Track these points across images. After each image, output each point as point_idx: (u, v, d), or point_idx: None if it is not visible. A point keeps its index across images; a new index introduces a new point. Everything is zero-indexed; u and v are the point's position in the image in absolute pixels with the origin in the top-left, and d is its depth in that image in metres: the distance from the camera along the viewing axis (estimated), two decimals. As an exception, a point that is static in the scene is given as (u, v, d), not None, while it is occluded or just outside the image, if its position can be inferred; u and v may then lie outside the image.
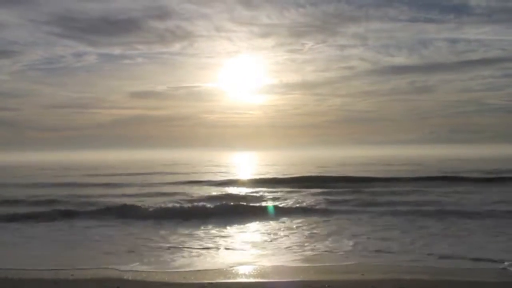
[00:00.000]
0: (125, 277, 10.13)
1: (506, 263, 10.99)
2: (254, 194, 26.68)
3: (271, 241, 14.30)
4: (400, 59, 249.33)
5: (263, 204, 22.53)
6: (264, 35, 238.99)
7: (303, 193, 26.68)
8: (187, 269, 10.95)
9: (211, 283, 9.42)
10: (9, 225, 17.75)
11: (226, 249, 13.29)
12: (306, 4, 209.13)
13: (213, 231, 15.95)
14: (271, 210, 19.83)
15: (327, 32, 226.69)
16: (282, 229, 16.14)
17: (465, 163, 60.57)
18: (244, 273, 10.70)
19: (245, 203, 22.26)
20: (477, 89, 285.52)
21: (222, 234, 15.55)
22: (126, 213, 19.60)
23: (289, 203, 22.88)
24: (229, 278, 10.14)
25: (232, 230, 16.34)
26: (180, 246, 13.61)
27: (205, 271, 10.79)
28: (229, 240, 14.58)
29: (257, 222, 17.60)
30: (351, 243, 13.60)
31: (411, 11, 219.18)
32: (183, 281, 9.80)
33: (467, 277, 9.83)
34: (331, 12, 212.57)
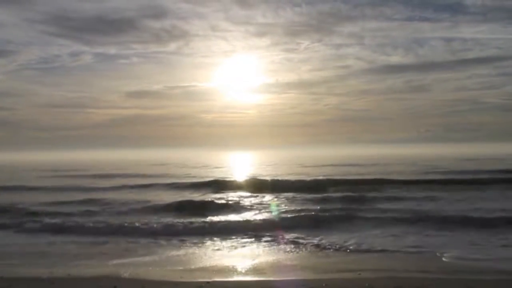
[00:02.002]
0: (122, 276, 10.12)
1: (445, 255, 11.70)
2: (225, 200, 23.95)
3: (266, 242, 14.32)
4: (396, 58, 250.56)
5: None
6: (260, 34, 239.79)
7: (289, 197, 24.86)
8: (184, 268, 10.96)
9: (208, 281, 9.42)
10: None
11: (223, 248, 13.32)
12: (302, 3, 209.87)
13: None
14: (273, 207, 18.98)
15: (323, 31, 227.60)
16: (277, 229, 16.12)
17: (469, 163, 58.94)
18: (242, 271, 10.71)
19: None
20: (473, 88, 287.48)
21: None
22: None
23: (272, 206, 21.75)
24: (226, 276, 10.15)
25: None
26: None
27: (202, 269, 10.80)
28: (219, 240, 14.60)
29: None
30: (348, 243, 13.63)
31: (407, 10, 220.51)
32: (180, 279, 9.79)
33: (463, 275, 9.88)
34: (327, 11, 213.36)
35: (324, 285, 8.92)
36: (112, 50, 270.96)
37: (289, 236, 14.57)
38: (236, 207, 21.57)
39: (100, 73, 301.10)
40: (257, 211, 20.33)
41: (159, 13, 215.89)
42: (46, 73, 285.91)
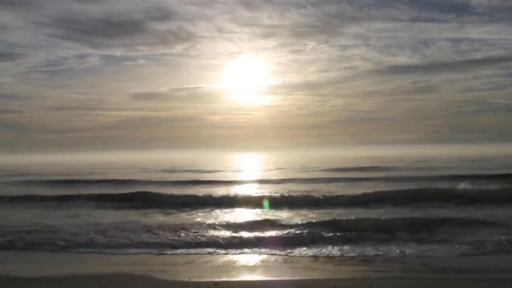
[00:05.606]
0: (129, 276, 10.10)
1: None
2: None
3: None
4: (402, 59, 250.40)
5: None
6: (266, 36, 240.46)
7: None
8: (192, 268, 10.93)
9: (217, 282, 9.38)
10: None
11: (231, 248, 13.26)
12: (307, 4, 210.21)
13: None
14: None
15: (329, 33, 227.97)
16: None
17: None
18: (250, 272, 10.67)
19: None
20: (480, 89, 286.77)
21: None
22: None
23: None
24: (234, 277, 10.11)
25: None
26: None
27: (210, 270, 10.77)
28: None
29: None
30: (356, 245, 13.54)
31: (413, 11, 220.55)
32: (188, 280, 9.76)
33: (471, 276, 9.80)
34: (333, 13, 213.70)
35: (332, 286, 8.87)
36: (118, 52, 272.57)
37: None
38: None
39: (106, 75, 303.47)
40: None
41: (165, 15, 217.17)
42: (53, 75, 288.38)
